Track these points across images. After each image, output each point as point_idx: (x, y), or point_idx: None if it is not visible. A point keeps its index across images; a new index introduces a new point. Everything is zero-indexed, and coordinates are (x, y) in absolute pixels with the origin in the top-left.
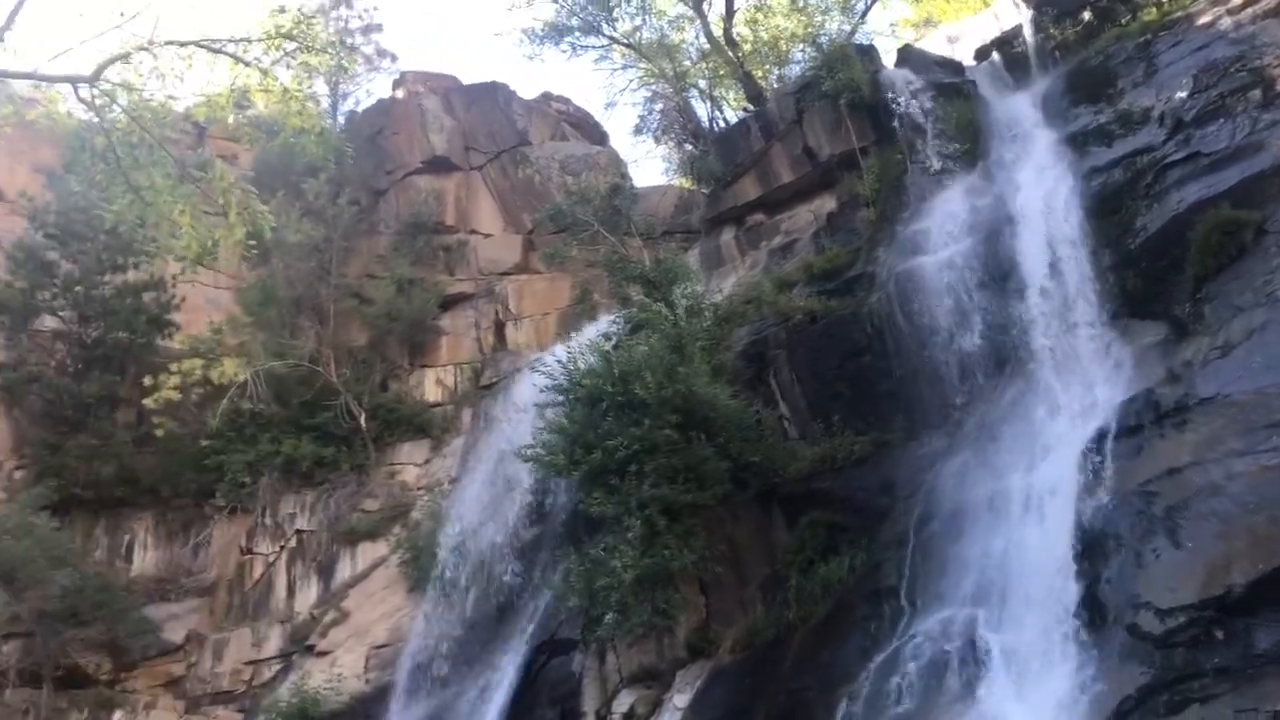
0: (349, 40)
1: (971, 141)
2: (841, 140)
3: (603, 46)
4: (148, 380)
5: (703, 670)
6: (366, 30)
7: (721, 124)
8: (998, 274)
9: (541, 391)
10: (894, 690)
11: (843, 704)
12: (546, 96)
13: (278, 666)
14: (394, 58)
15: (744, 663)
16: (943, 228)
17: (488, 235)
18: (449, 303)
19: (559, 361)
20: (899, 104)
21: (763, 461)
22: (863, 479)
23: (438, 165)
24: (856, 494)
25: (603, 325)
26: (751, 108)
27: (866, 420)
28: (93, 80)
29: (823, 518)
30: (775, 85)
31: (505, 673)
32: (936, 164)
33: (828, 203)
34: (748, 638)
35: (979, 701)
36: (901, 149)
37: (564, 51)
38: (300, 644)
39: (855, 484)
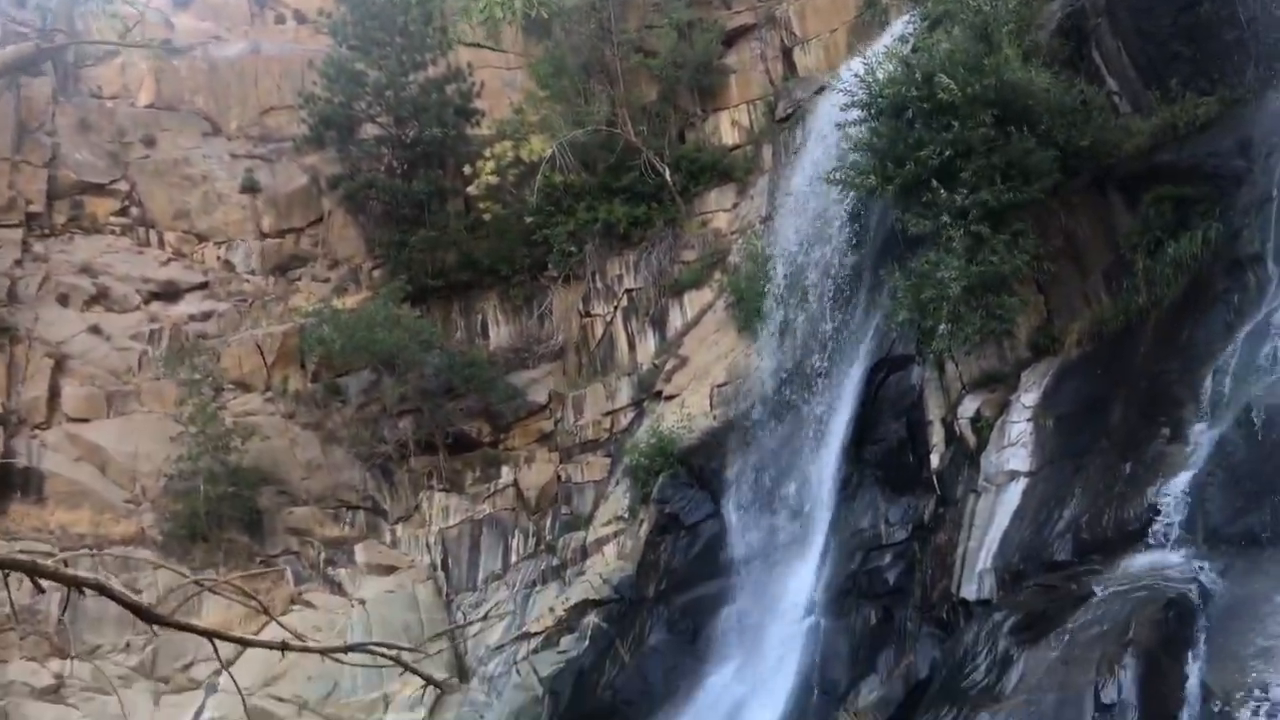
0: None
1: None
2: None
3: None
4: (467, 169)
5: (1049, 367)
6: None
7: None
8: None
9: (842, 111)
10: (1266, 358)
11: (1208, 381)
12: None
13: (632, 414)
14: None
15: (1093, 355)
16: None
17: None
18: (732, 38)
19: (855, 76)
20: None
21: (1093, 144)
22: (1212, 143)
23: None
24: (1206, 161)
25: (897, 29)
26: None
27: (1211, 79)
28: None
29: (1168, 192)
30: None
31: (846, 391)
32: None
33: None
34: (1094, 329)
35: None
36: None
37: None
38: (648, 391)
39: (1204, 150)
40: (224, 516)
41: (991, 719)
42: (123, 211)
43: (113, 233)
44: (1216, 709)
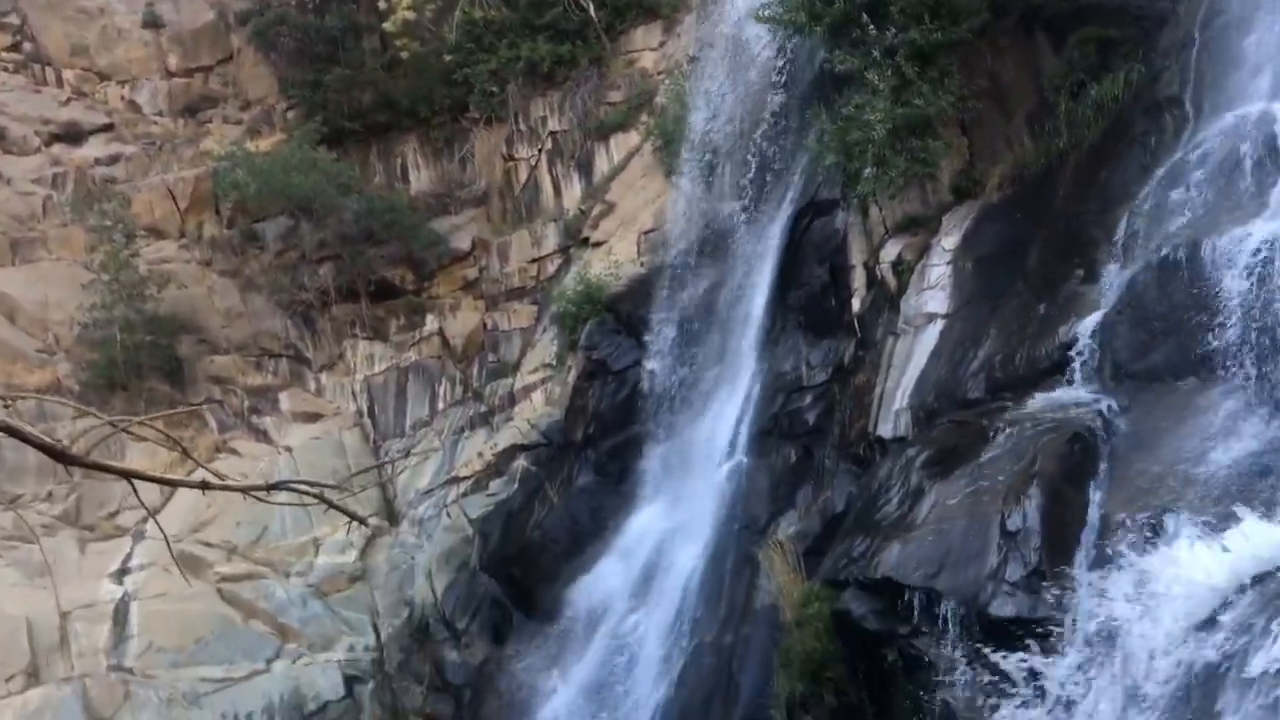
0: None
1: None
2: None
3: None
4: (382, 3)
5: (970, 210)
6: None
7: None
8: None
9: None
10: (1178, 202)
11: (1123, 222)
12: None
13: (559, 261)
14: None
15: (1013, 197)
16: None
17: None
18: None
19: None
20: None
21: None
22: None
23: None
24: (1131, 1)
25: None
26: None
27: None
28: None
29: (1093, 34)
30: None
31: (771, 237)
32: None
33: None
34: (1016, 172)
35: (1272, 205)
36: None
37: None
38: (575, 238)
39: None
40: (143, 365)
41: (902, 547)
42: (15, 47)
43: (5, 70)
44: (1113, 534)
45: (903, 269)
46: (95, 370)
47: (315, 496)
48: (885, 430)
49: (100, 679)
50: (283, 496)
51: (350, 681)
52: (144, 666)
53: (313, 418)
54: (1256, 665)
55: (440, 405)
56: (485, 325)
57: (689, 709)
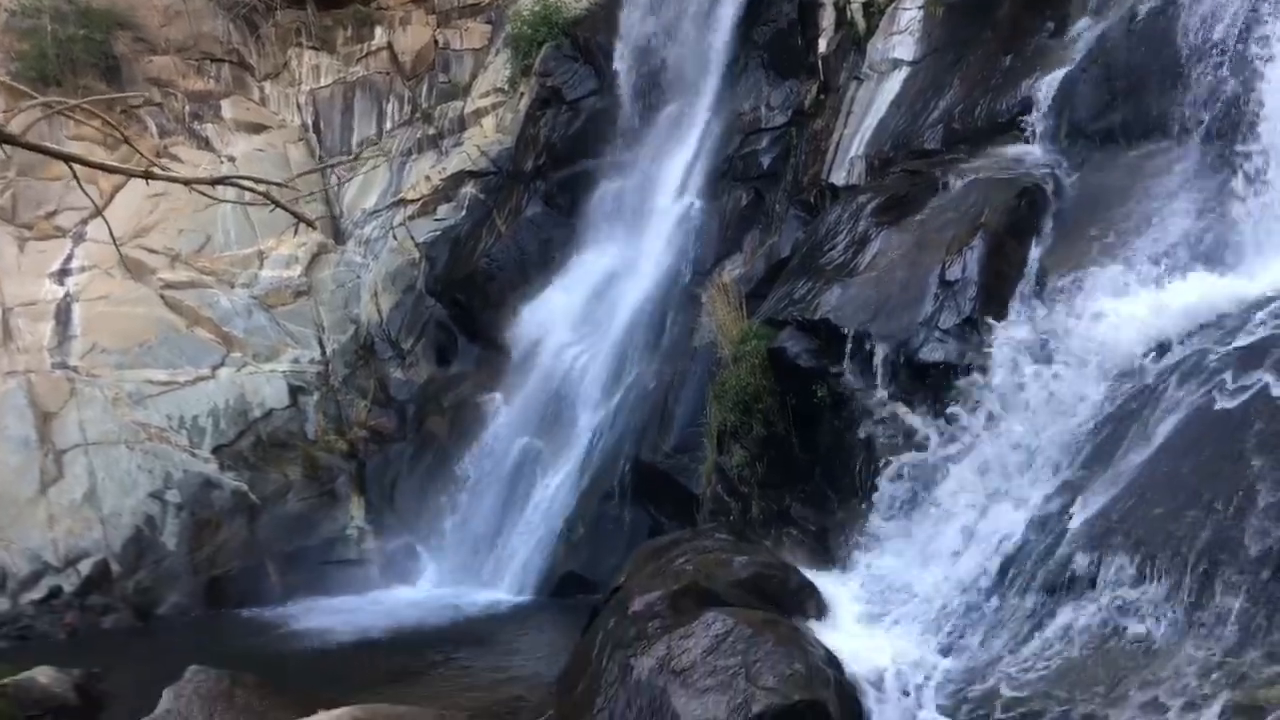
0: None
1: None
2: None
3: None
4: None
5: None
6: None
7: None
8: None
9: None
10: None
11: None
12: None
13: None
14: None
15: None
16: None
17: None
18: None
19: None
20: None
21: None
22: None
23: None
24: None
25: None
26: None
27: None
28: None
29: None
30: None
31: None
32: None
33: None
34: None
35: None
36: None
37: None
38: None
39: None
40: (77, 61)
41: (843, 291)
42: None
43: None
44: (1049, 289)
45: (874, 10)
46: (26, 62)
47: (261, 195)
48: (839, 177)
49: (45, 375)
50: (229, 195)
51: (295, 391)
52: (89, 366)
53: (257, 128)
54: (1162, 429)
55: (388, 125)
56: (436, 43)
57: (625, 434)
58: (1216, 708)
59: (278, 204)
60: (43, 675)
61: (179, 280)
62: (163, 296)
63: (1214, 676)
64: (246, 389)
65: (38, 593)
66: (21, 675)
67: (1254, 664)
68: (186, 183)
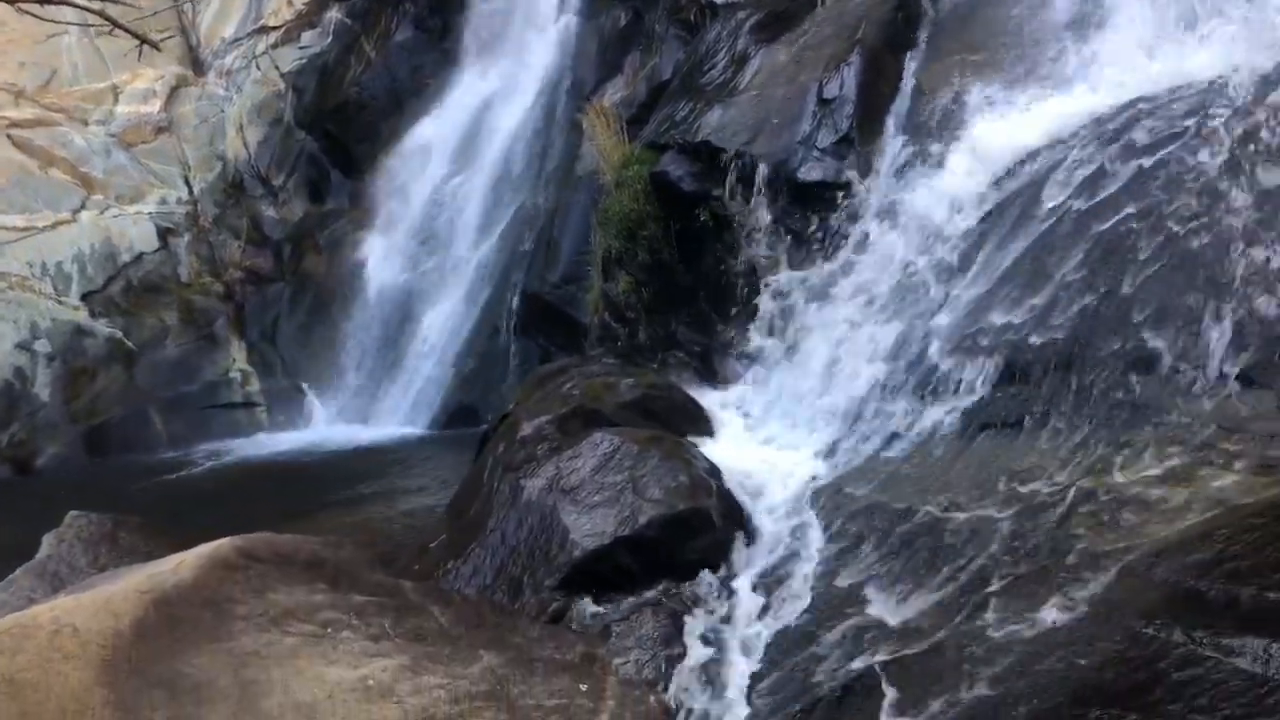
0: None
1: None
2: None
3: None
4: None
5: None
6: None
7: None
8: None
9: None
10: None
11: None
12: None
13: None
14: None
15: None
16: None
17: None
18: None
19: None
20: None
21: None
22: None
23: None
24: None
25: None
26: None
27: None
28: None
29: None
30: None
31: None
32: None
33: None
34: None
35: None
36: None
37: None
38: None
39: None
40: None
41: (723, 112)
42: None
43: None
44: (923, 106)
45: None
46: None
47: (97, 14)
48: None
49: None
50: (69, 17)
51: (164, 234)
52: None
53: None
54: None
55: None
56: None
57: (511, 265)
58: (1071, 493)
59: (116, 24)
60: None
61: (25, 119)
62: (9, 136)
63: (1069, 467)
64: (112, 232)
65: None
66: None
67: (1102, 455)
68: (12, 1)
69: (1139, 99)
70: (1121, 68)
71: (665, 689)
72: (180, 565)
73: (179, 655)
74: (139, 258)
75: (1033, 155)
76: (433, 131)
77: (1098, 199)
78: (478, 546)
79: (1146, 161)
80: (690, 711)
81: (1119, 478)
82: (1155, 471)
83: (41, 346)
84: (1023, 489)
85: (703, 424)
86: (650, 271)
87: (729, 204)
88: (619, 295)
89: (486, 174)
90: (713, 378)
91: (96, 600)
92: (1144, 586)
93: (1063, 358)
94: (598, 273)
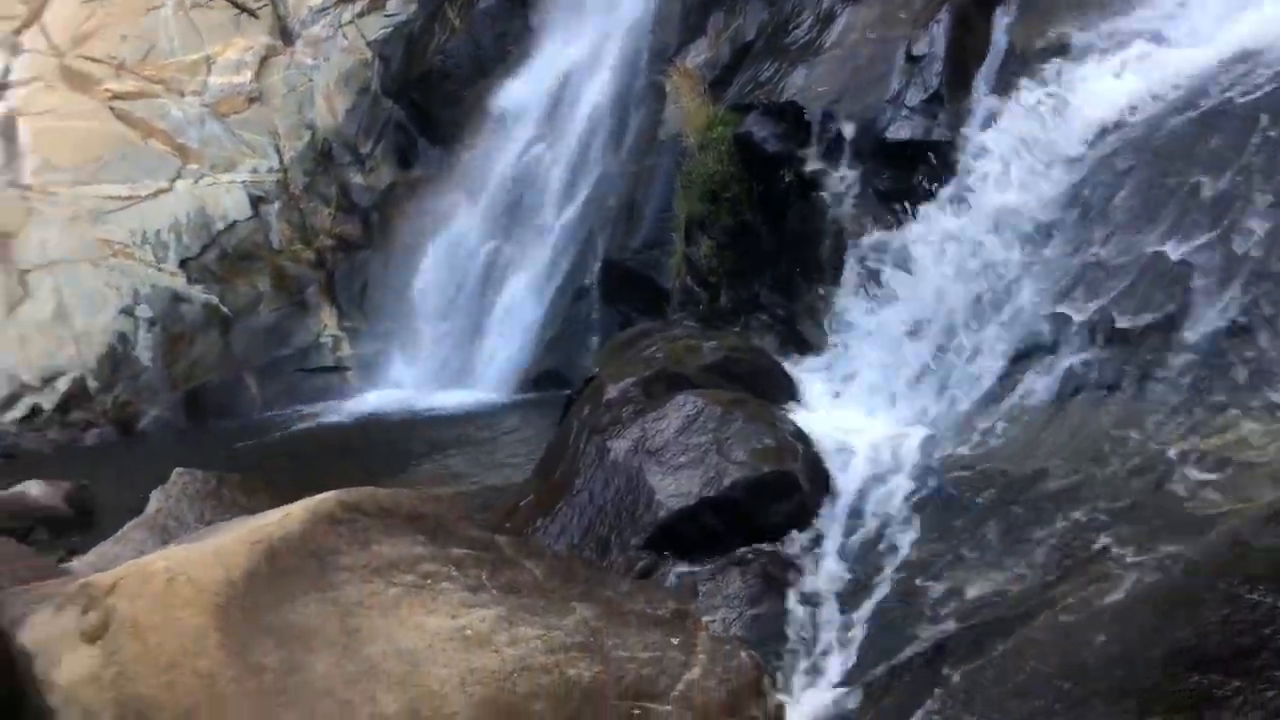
0: None
1: None
2: None
3: None
4: None
5: None
6: None
7: None
8: None
9: None
10: None
11: None
12: None
13: None
14: None
15: None
16: None
17: None
18: None
19: None
20: None
21: None
22: None
23: None
24: None
25: None
26: None
27: None
28: None
29: None
30: None
31: None
32: None
33: None
34: None
35: None
36: None
37: None
38: None
39: None
40: None
41: (809, 70)
42: None
43: None
44: (1015, 62)
45: None
46: None
47: None
48: None
49: None
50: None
51: (256, 202)
52: (43, 184)
53: None
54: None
55: None
56: None
57: (595, 232)
58: (1171, 455)
59: None
60: (33, 488)
61: (126, 91)
62: (112, 109)
63: (1168, 430)
64: (207, 201)
65: (18, 411)
66: (12, 489)
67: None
68: None
69: (1249, 51)
70: (1229, 19)
71: (755, 645)
72: (286, 518)
73: (287, 603)
74: (232, 225)
75: (1132, 109)
76: (517, 98)
77: (1199, 160)
78: (565, 505)
79: (1259, 116)
80: (779, 667)
81: (1222, 440)
82: (1261, 435)
83: (143, 312)
84: (1120, 451)
85: (786, 388)
86: (733, 235)
87: (814, 165)
88: (701, 259)
89: (569, 140)
90: (796, 342)
91: (208, 551)
92: (1248, 551)
93: (1165, 319)
94: (680, 237)
